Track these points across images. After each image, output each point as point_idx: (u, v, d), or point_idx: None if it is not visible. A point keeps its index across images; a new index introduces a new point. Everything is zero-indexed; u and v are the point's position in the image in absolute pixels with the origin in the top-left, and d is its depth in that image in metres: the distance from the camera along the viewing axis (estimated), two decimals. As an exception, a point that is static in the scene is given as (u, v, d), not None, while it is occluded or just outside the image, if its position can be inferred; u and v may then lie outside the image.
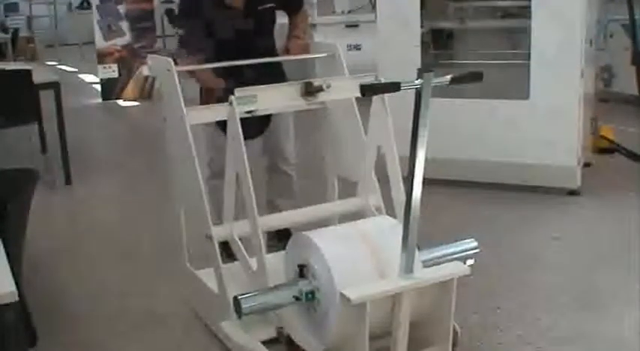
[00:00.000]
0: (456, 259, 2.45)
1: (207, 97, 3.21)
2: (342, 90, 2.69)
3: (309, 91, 2.64)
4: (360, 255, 2.31)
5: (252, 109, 2.62)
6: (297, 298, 2.33)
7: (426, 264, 2.36)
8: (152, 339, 2.88)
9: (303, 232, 2.43)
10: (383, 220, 2.65)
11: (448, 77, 2.15)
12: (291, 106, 2.99)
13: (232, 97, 2.52)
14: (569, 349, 2.67)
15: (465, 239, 2.55)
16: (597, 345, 2.69)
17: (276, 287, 2.40)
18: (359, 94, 2.68)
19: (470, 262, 2.49)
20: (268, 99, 2.63)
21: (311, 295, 2.32)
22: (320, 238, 2.36)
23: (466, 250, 2.51)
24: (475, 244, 2.52)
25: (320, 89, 2.59)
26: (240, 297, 2.31)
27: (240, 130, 2.51)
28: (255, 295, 2.35)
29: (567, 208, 4.21)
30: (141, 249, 3.83)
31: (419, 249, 2.28)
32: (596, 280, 3.24)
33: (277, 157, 3.53)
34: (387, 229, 2.45)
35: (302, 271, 2.37)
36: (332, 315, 2.24)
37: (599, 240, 3.73)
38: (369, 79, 2.68)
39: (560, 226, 3.93)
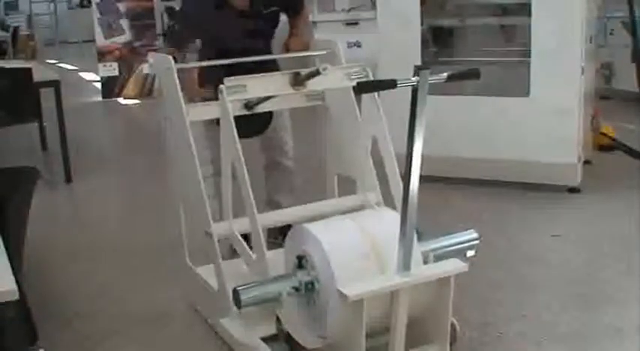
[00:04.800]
0: (456, 250, 2.45)
1: (193, 94, 3.22)
2: (330, 79, 2.70)
3: (298, 80, 2.65)
4: (359, 245, 2.31)
5: (244, 97, 2.63)
6: (296, 289, 2.33)
7: (426, 255, 2.37)
8: (152, 336, 2.89)
9: (301, 224, 2.44)
10: (382, 211, 2.65)
11: (445, 75, 2.15)
12: (291, 101, 3.01)
13: (222, 87, 2.53)
14: (569, 346, 2.67)
15: (465, 230, 2.55)
16: (598, 341, 2.69)
17: (275, 278, 2.39)
18: (347, 84, 2.72)
19: (471, 253, 2.49)
20: (258, 88, 2.64)
21: (310, 286, 2.32)
22: (318, 228, 2.36)
23: (467, 241, 2.51)
24: (476, 235, 2.51)
25: (317, 73, 2.58)
26: (239, 288, 2.31)
27: (232, 119, 2.53)
28: (254, 286, 2.36)
29: (567, 205, 4.21)
30: (141, 246, 3.84)
31: (419, 240, 2.28)
32: (596, 277, 3.24)
33: (278, 152, 3.54)
34: (385, 220, 2.45)
35: (300, 262, 2.38)
36: (331, 306, 2.24)
37: (599, 237, 3.73)
38: (356, 70, 2.72)
39: (560, 224, 3.93)
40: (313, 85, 2.69)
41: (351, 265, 2.25)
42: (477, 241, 2.51)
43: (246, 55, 2.99)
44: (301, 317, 2.41)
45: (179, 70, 2.77)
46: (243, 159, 2.51)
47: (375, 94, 2.71)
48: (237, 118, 2.61)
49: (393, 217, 2.41)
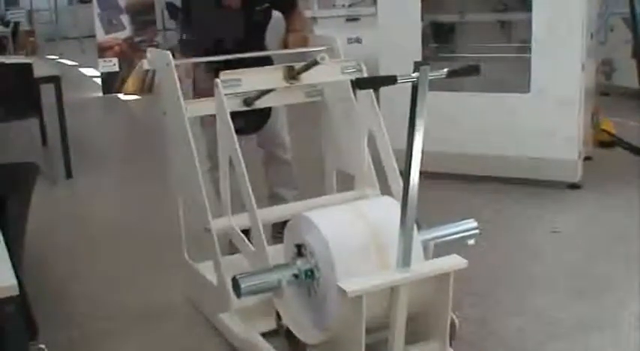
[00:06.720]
0: (456, 238, 2.46)
1: (200, 91, 3.22)
2: (324, 73, 2.71)
3: (293, 74, 2.66)
4: (358, 231, 2.31)
5: (238, 91, 2.64)
6: (296, 276, 2.33)
7: (426, 244, 2.37)
8: (153, 332, 2.89)
9: (300, 213, 2.44)
10: (382, 199, 2.64)
11: (445, 70, 2.15)
12: (290, 97, 3.01)
13: (217, 80, 2.54)
14: (569, 341, 2.67)
15: (465, 219, 2.56)
16: (598, 337, 2.70)
17: (274, 267, 2.40)
18: (341, 78, 2.74)
19: (471, 242, 2.50)
20: (252, 82, 2.65)
21: (310, 273, 2.32)
22: (316, 215, 2.37)
23: (466, 230, 2.52)
24: (475, 224, 2.52)
25: (315, 63, 2.58)
26: (238, 276, 2.31)
27: (228, 113, 2.53)
28: (253, 274, 2.36)
29: (568, 201, 4.21)
30: (141, 242, 3.84)
31: (419, 229, 2.28)
32: (596, 273, 3.24)
33: (276, 146, 3.56)
34: (385, 207, 2.45)
35: (300, 250, 2.38)
36: (330, 296, 2.25)
37: (599, 233, 3.73)
38: (350, 64, 2.74)
39: (560, 220, 3.93)
40: (307, 78, 2.70)
41: (351, 251, 2.25)
42: (476, 231, 2.51)
43: (241, 52, 3.00)
44: (301, 308, 2.41)
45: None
46: (240, 153, 2.51)
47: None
48: (236, 114, 2.62)
49: (393, 204, 2.41)
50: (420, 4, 4.52)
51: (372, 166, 2.86)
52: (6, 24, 12.32)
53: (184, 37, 3.35)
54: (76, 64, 12.50)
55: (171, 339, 2.83)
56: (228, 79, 2.56)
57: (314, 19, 7.59)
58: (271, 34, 3.45)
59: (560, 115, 4.23)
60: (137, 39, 8.99)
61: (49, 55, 13.33)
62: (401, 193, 2.15)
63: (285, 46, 3.30)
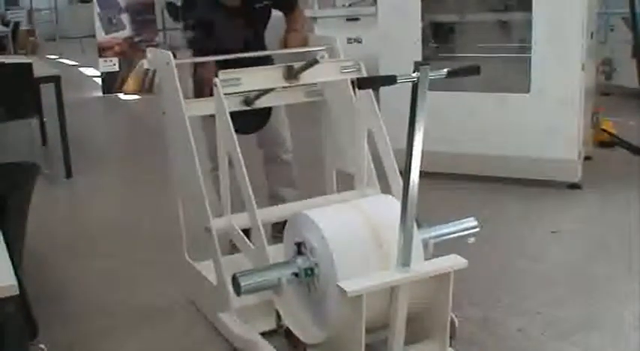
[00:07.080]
0: (456, 237, 2.46)
1: (201, 90, 3.21)
2: (322, 73, 2.71)
3: (292, 73, 2.66)
4: (358, 229, 2.31)
5: (237, 90, 2.65)
6: (295, 275, 2.33)
7: (426, 242, 2.38)
8: (153, 332, 2.89)
9: (300, 211, 2.44)
10: (382, 197, 2.65)
11: (445, 70, 2.15)
12: (290, 97, 3.01)
13: (217, 80, 2.54)
14: (569, 341, 2.67)
15: (465, 218, 2.56)
16: (598, 337, 2.70)
17: (274, 265, 2.40)
18: (339, 77, 2.75)
19: (471, 240, 2.50)
20: (252, 81, 2.65)
21: (310, 272, 2.32)
22: (316, 214, 2.37)
23: (466, 229, 2.52)
24: (475, 223, 2.52)
25: (315, 62, 2.58)
26: (238, 274, 2.32)
27: (227, 113, 2.54)
28: (253, 272, 2.36)
29: (568, 201, 4.21)
30: (141, 242, 3.84)
31: (418, 227, 2.29)
32: (596, 273, 3.24)
33: (276, 146, 3.55)
34: (385, 205, 2.45)
35: (299, 248, 2.38)
36: (330, 294, 2.25)
37: (599, 233, 3.73)
38: (348, 64, 2.75)
39: (560, 220, 3.93)
40: (306, 78, 2.70)
41: (351, 250, 2.25)
42: (476, 229, 2.51)
43: (240, 51, 3.00)
44: (301, 307, 2.42)
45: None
46: (240, 152, 2.51)
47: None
48: (236, 114, 2.62)
49: (393, 203, 2.41)
50: (420, 4, 4.53)
51: (372, 166, 2.86)
52: (6, 24, 12.32)
53: (188, 35, 3.36)
54: (76, 63, 12.51)
55: (171, 339, 2.83)
56: (227, 79, 2.56)
57: (314, 19, 7.59)
58: (271, 34, 3.45)
59: (560, 115, 4.23)
60: (137, 38, 9.00)
61: (49, 54, 13.34)
62: (401, 193, 2.15)
63: (285, 45, 3.30)
